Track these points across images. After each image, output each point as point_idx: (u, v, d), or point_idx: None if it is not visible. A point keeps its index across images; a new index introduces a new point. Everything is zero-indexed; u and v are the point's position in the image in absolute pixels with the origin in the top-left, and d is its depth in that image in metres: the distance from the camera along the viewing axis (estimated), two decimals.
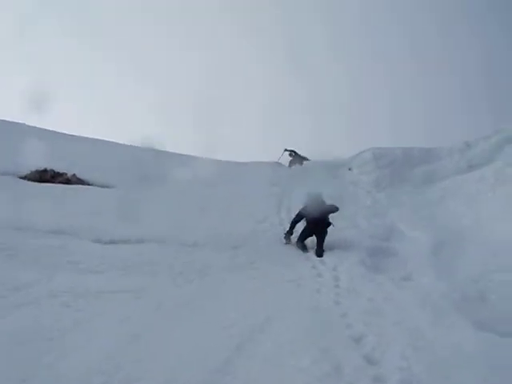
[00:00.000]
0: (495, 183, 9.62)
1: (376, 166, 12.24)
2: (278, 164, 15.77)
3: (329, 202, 8.12)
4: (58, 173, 11.44)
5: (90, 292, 5.39)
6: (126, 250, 7.17)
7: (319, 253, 7.39)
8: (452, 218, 9.10)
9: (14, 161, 10.85)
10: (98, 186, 11.12)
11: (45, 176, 11.16)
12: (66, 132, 16.01)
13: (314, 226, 7.79)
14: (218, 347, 3.99)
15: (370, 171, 12.23)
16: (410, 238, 8.39)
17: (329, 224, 7.79)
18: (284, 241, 7.98)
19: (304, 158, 16.00)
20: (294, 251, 7.66)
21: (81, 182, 11.32)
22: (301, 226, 8.00)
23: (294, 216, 8.21)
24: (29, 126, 15.10)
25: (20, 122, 15.16)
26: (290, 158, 16.23)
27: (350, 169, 13.14)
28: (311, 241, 7.83)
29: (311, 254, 7.43)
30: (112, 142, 15.53)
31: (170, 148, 15.71)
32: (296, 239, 7.88)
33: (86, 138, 15.62)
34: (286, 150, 16.37)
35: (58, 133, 15.13)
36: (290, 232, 8.00)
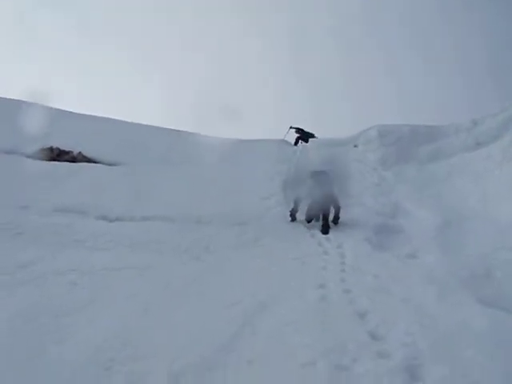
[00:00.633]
0: (502, 161, 9.51)
1: (381, 144, 12.10)
2: (284, 141, 15.64)
3: (334, 180, 8.01)
4: (64, 151, 11.45)
5: (96, 269, 5.45)
6: (131, 227, 7.21)
7: (325, 230, 7.36)
8: (458, 196, 9.04)
9: (20, 139, 10.82)
10: (105, 164, 11.12)
11: (51, 154, 11.18)
12: (73, 110, 15.81)
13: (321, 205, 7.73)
14: (223, 324, 4.01)
15: (375, 149, 12.10)
16: (416, 215, 8.34)
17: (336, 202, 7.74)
18: (289, 218, 7.97)
19: (311, 135, 15.82)
20: (299, 228, 7.64)
21: (87, 159, 11.32)
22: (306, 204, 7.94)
23: (298, 194, 8.15)
24: (35, 104, 14.97)
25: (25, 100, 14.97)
26: (296, 136, 16.05)
27: (355, 146, 13.03)
28: (317, 219, 7.77)
29: (317, 232, 7.39)
30: (119, 121, 15.31)
31: (173, 126, 15.42)
32: (302, 217, 7.84)
33: (94, 117, 15.37)
34: (291, 127, 16.15)
35: (65, 111, 14.97)
36: (295, 209, 7.97)
